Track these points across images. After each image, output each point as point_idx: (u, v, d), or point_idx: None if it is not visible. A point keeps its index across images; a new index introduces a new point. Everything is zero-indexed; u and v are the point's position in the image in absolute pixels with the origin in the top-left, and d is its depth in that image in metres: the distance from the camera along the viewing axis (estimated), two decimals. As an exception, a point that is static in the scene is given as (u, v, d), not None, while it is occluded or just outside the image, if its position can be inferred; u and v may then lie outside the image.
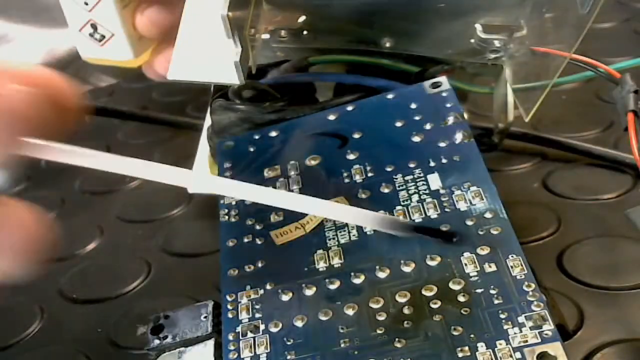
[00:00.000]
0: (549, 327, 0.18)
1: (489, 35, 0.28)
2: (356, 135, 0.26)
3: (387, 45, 0.29)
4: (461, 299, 0.20)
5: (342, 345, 0.20)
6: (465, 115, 0.25)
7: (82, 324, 0.29)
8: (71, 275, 0.32)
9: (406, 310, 0.20)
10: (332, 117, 0.27)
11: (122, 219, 0.36)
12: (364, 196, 0.24)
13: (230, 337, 0.21)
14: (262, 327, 0.21)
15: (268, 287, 0.22)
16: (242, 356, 0.20)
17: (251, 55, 0.27)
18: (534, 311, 0.19)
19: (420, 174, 0.24)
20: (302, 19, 0.30)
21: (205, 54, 0.27)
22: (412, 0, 0.28)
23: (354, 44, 0.30)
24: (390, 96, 0.27)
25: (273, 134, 0.27)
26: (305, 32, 0.30)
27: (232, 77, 0.27)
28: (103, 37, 0.29)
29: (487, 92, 0.31)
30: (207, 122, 0.31)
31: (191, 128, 0.40)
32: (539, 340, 0.18)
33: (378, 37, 0.29)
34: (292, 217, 0.24)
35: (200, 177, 0.23)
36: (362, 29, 0.30)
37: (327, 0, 0.29)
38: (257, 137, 0.27)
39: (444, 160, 0.24)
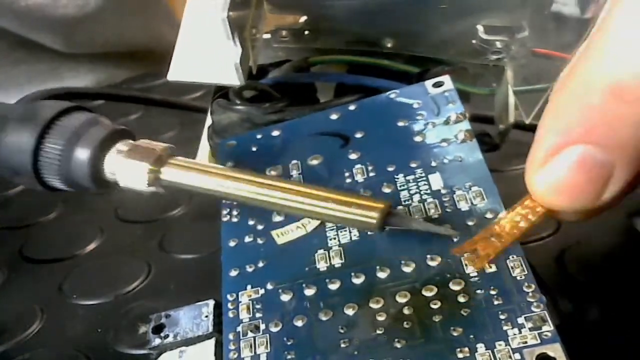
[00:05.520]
0: (548, 328, 0.18)
1: (491, 37, 0.28)
2: (358, 135, 0.26)
3: (389, 45, 0.29)
4: (461, 299, 0.20)
5: (342, 345, 0.20)
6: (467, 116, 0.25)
7: (82, 324, 0.29)
8: (71, 275, 0.32)
9: (406, 311, 0.20)
10: (334, 117, 0.27)
11: (122, 219, 0.36)
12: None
13: (231, 337, 0.21)
14: (262, 326, 0.21)
15: (269, 286, 0.22)
16: (242, 356, 0.20)
17: (252, 55, 0.27)
18: (534, 312, 0.19)
19: (421, 173, 0.24)
20: (303, 19, 0.30)
21: (206, 54, 0.27)
22: (413, 1, 0.28)
23: (355, 44, 0.30)
24: (392, 96, 0.27)
25: (275, 133, 0.27)
26: (306, 32, 0.30)
27: (232, 78, 0.27)
28: None
29: (488, 93, 0.31)
30: (208, 121, 0.31)
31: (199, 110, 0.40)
32: (539, 342, 0.18)
33: (379, 37, 0.29)
34: (294, 217, 0.24)
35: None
36: (363, 30, 0.30)
37: (329, 0, 0.29)
38: (259, 136, 0.27)
39: (445, 160, 0.24)
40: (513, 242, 0.20)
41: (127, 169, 0.22)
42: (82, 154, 0.22)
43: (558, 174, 0.18)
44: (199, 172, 0.22)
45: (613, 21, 0.18)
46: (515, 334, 0.18)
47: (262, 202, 0.22)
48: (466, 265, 0.21)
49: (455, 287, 0.20)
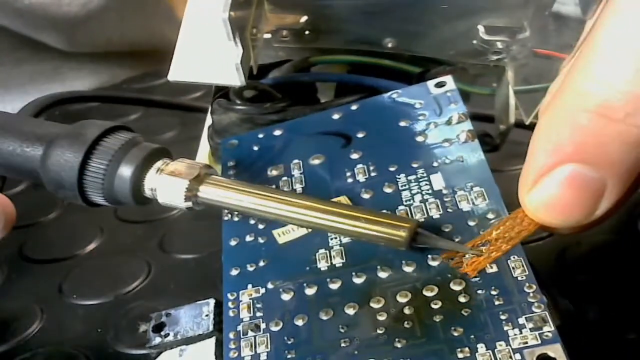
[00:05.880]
0: (549, 329, 0.18)
1: (492, 37, 0.28)
2: (360, 135, 0.26)
3: (390, 45, 0.29)
4: (462, 299, 0.20)
5: (343, 345, 0.20)
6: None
7: (82, 324, 0.29)
8: (71, 275, 0.32)
9: (407, 311, 0.20)
10: (336, 117, 0.27)
11: (122, 219, 0.36)
12: (366, 196, 0.24)
13: (231, 336, 0.21)
14: (262, 326, 0.21)
15: (269, 286, 0.22)
16: (242, 355, 0.20)
17: (252, 55, 0.27)
18: (535, 312, 0.19)
19: (423, 173, 0.24)
20: (304, 18, 0.30)
21: (206, 55, 0.27)
22: (414, 1, 0.28)
23: (356, 44, 0.30)
24: (394, 96, 0.27)
25: (277, 132, 0.27)
26: (307, 32, 0.30)
27: (233, 78, 0.27)
28: None
29: (488, 93, 0.31)
30: (208, 121, 0.31)
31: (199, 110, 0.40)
32: (539, 342, 0.18)
33: (380, 37, 0.29)
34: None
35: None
36: (364, 29, 0.30)
37: (329, 0, 0.29)
38: (261, 135, 0.27)
39: (447, 161, 0.24)
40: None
41: (166, 187, 0.23)
42: (125, 172, 0.22)
43: (549, 193, 0.19)
44: (236, 191, 0.23)
45: (597, 38, 0.18)
46: (516, 334, 0.18)
47: (298, 220, 0.22)
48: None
49: (456, 287, 0.20)
